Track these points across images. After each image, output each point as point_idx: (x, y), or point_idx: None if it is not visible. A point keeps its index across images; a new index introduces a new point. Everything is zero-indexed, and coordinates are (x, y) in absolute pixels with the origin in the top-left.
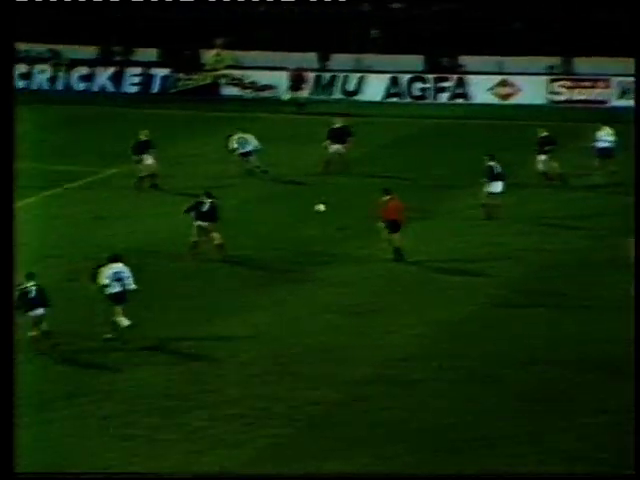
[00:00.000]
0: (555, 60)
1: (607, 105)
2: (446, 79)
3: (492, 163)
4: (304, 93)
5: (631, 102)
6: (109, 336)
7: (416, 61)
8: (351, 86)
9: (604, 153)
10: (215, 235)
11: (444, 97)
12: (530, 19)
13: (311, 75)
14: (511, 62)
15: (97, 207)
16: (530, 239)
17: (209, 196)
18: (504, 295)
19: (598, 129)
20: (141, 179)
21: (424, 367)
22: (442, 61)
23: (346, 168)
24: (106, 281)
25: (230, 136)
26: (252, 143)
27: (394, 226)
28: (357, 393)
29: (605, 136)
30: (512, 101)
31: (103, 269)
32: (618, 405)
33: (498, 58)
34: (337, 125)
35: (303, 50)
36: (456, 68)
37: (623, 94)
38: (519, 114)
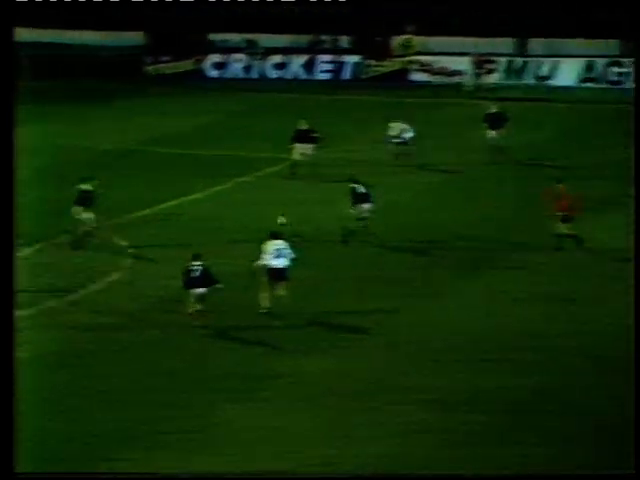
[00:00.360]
0: None
1: None
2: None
3: None
4: (491, 79)
5: None
6: (264, 310)
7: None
8: (544, 71)
9: None
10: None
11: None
12: None
13: (502, 60)
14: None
15: (279, 193)
16: None
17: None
18: None
19: None
20: (292, 167)
21: None
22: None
23: (500, 154)
24: (268, 257)
25: (389, 123)
26: (409, 132)
27: (567, 216)
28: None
29: None
30: None
31: (266, 246)
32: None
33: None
34: (493, 110)
35: (493, 35)
36: None
37: None
38: None
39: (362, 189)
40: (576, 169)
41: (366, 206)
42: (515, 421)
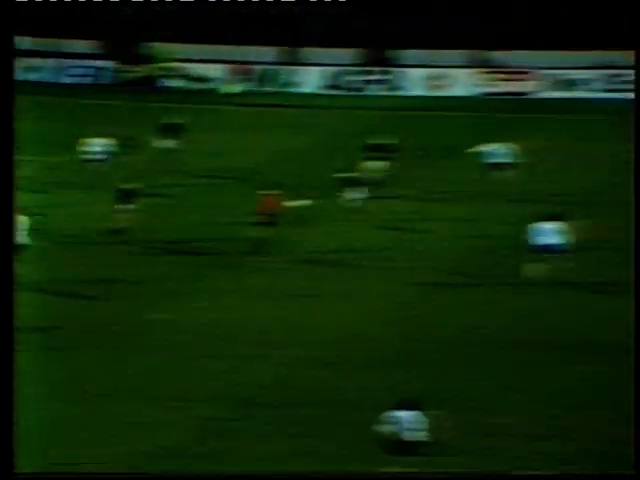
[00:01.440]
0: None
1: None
2: (382, 72)
3: None
4: (242, 86)
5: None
6: None
7: (352, 54)
8: (289, 78)
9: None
10: None
11: (378, 89)
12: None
13: (254, 68)
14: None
15: None
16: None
17: None
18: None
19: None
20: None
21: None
22: (377, 55)
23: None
24: None
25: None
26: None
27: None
28: (288, 374)
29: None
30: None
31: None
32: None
33: (428, 51)
34: (169, 121)
35: (243, 44)
36: (391, 61)
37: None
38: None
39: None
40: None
41: (129, 207)
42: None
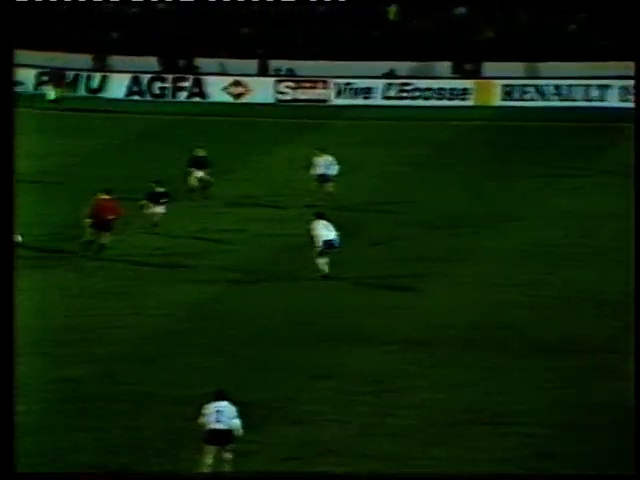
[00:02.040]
0: (281, 63)
1: (327, 104)
2: (184, 79)
3: None
4: (58, 92)
5: (348, 100)
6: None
7: (154, 62)
8: (95, 84)
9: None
10: None
11: (182, 96)
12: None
13: (67, 74)
14: (241, 64)
15: None
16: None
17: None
18: (241, 277)
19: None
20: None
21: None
22: (179, 62)
23: None
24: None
25: None
26: None
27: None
28: (106, 369)
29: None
30: (244, 100)
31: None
32: (344, 371)
33: (230, 60)
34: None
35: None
36: (192, 69)
37: (339, 94)
38: (250, 111)
39: None
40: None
41: None
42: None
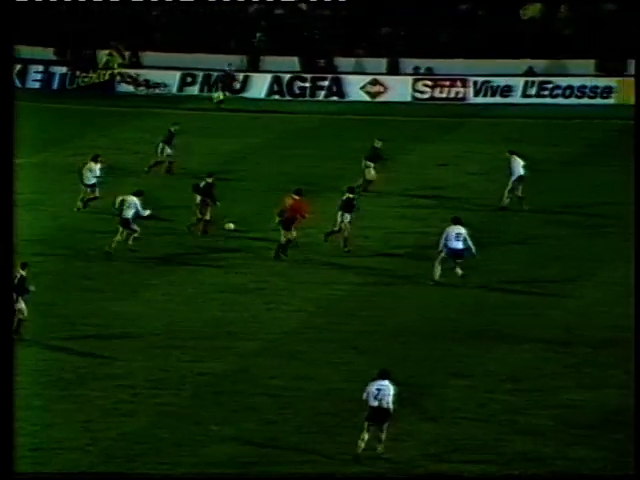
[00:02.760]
0: (420, 61)
1: (465, 102)
2: (323, 78)
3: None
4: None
5: (486, 99)
6: None
7: (295, 62)
8: (237, 85)
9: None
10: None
11: (321, 95)
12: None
13: (199, 74)
14: (379, 63)
15: None
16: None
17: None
18: (375, 274)
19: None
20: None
21: (303, 340)
22: (319, 62)
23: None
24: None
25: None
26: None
27: (288, 223)
28: (242, 364)
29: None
30: (381, 99)
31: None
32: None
33: (367, 59)
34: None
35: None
36: (331, 69)
37: (478, 92)
38: (388, 110)
39: None
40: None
41: None
42: None
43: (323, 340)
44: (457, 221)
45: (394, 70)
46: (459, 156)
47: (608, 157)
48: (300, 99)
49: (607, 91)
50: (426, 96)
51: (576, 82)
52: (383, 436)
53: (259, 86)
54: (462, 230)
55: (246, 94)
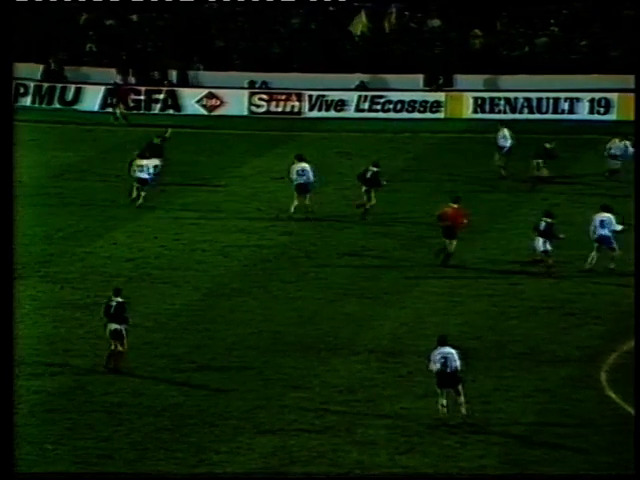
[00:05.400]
0: (256, 75)
1: (301, 116)
2: (158, 91)
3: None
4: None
5: (321, 113)
6: None
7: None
8: (69, 96)
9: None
10: None
11: (156, 108)
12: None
13: (31, 84)
14: (215, 77)
15: None
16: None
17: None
18: (212, 288)
19: None
20: None
21: (139, 355)
22: (153, 75)
23: None
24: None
25: None
26: None
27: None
28: (78, 381)
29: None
30: (218, 112)
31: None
32: (316, 381)
33: (205, 72)
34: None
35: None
36: (166, 81)
37: (313, 107)
38: (224, 124)
39: None
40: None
41: None
42: None
43: (159, 355)
44: (605, 208)
45: (237, 85)
46: None
47: (432, 169)
48: (134, 112)
49: (436, 105)
50: (262, 110)
51: (407, 97)
52: (461, 399)
53: (92, 98)
54: (606, 216)
55: (78, 106)
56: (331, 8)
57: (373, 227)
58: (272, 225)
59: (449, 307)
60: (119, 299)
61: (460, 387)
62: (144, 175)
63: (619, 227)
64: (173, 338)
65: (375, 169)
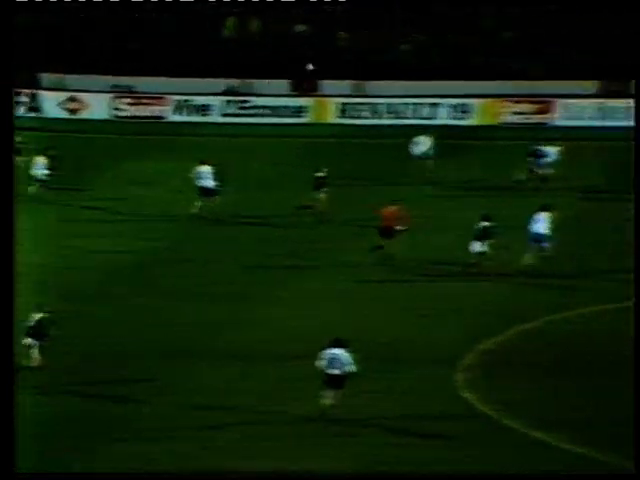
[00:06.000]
0: (120, 79)
1: (165, 120)
2: (17, 93)
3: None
4: None
5: (185, 117)
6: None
7: None
8: None
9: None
10: None
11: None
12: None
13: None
14: (77, 79)
15: None
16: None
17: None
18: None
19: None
20: None
21: None
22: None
23: None
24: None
25: None
26: None
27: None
28: None
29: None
30: (80, 116)
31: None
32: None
33: (68, 76)
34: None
35: None
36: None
37: (177, 110)
38: (86, 128)
39: None
40: None
41: None
42: None
43: None
44: (544, 208)
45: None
46: (160, 173)
47: (299, 174)
48: None
49: (301, 110)
50: (126, 114)
51: (272, 102)
52: (338, 399)
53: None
54: (543, 216)
55: None
56: (199, 11)
57: (231, 228)
58: (133, 229)
59: (307, 309)
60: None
61: (341, 388)
62: None
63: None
64: None
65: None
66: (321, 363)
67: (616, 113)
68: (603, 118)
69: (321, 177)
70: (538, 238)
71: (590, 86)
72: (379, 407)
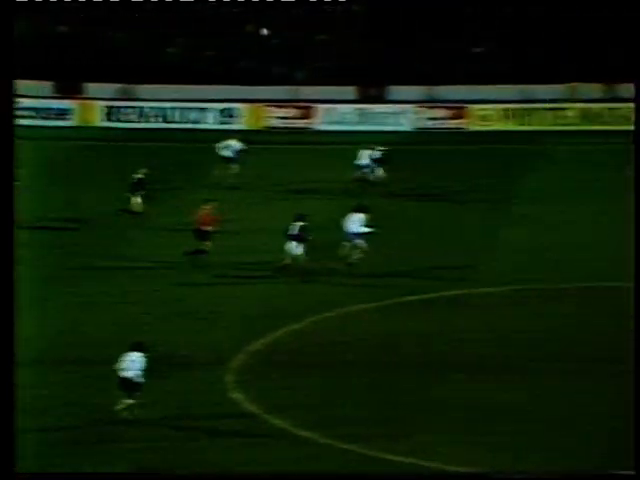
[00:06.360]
0: None
1: None
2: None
3: None
4: None
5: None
6: None
7: None
8: None
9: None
10: None
11: None
12: None
13: None
14: None
15: None
16: None
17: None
18: None
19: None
20: None
21: None
22: None
23: None
24: None
25: None
26: None
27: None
28: None
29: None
30: None
31: None
32: None
33: None
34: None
35: None
36: None
37: None
38: None
39: None
40: None
41: None
42: None
43: None
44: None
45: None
46: None
47: (70, 175)
48: None
49: (65, 112)
50: None
51: (37, 103)
52: (131, 401)
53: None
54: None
55: None
56: None
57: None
58: None
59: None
60: None
61: (134, 392)
62: None
63: (366, 229)
64: None
65: None
66: (120, 366)
67: (375, 118)
68: (364, 123)
69: (140, 179)
70: (352, 237)
71: (350, 92)
72: (161, 408)
